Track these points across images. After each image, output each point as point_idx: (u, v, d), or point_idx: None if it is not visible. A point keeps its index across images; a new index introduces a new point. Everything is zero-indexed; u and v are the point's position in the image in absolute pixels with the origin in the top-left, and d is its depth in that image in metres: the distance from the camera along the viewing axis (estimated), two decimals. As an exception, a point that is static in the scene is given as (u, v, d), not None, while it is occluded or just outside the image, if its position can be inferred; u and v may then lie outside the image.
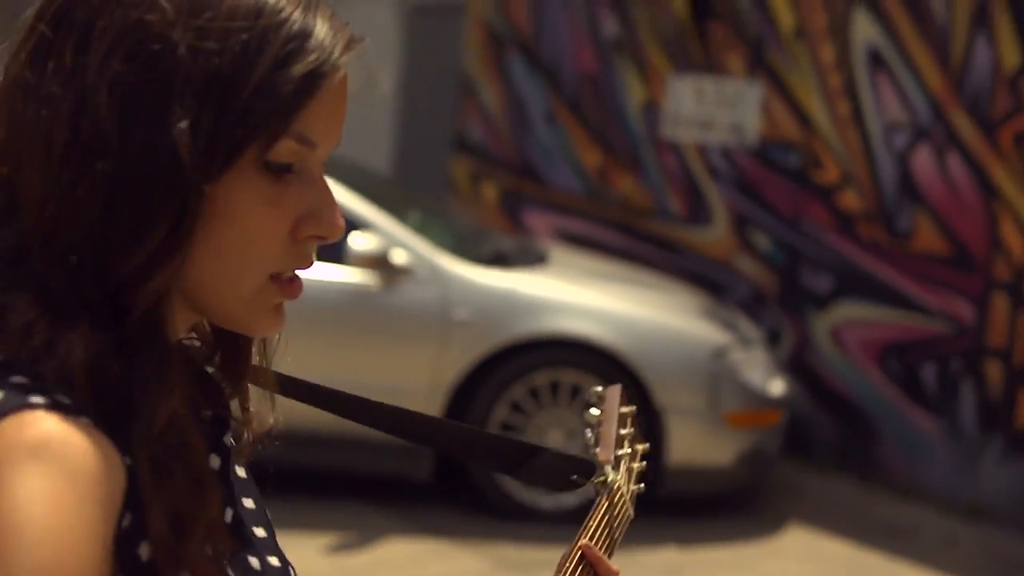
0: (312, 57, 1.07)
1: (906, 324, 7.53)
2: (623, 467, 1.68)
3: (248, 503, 1.26)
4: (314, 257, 1.15)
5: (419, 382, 6.22)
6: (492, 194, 10.06)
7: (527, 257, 7.09)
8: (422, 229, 6.64)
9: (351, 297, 6.22)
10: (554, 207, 9.58)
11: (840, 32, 7.77)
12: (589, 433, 1.70)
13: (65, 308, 1.04)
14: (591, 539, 1.51)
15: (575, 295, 6.52)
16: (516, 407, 6.32)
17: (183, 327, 1.17)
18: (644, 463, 1.77)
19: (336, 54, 1.09)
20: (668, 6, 8.72)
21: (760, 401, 6.56)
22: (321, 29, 1.09)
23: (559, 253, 7.66)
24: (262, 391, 1.30)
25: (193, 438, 1.08)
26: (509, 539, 6.06)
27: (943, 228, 7.33)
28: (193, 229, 1.05)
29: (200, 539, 1.07)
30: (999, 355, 7.11)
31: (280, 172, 1.09)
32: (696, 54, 8.61)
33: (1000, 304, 7.10)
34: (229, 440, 1.23)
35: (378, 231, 6.28)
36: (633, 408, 1.77)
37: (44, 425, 0.98)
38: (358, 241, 6.14)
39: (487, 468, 1.38)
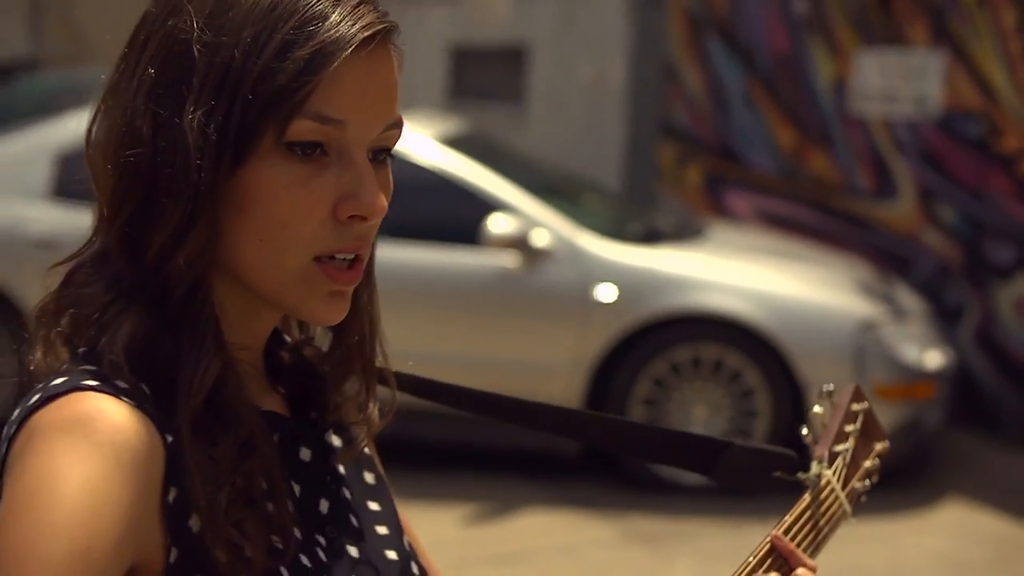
0: (318, 39, 1.13)
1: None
2: (840, 462, 1.65)
3: (373, 506, 1.35)
4: (367, 240, 1.22)
5: (561, 360, 6.40)
6: (696, 177, 10.12)
7: (681, 234, 7.17)
8: (568, 210, 6.80)
9: (491, 279, 6.44)
10: (753, 187, 9.58)
11: (1019, -4, 7.55)
12: (805, 430, 1.67)
13: (127, 294, 1.17)
14: (787, 533, 1.50)
15: (719, 271, 6.58)
16: (658, 383, 6.42)
17: (264, 321, 1.27)
18: (877, 461, 1.72)
19: (348, 34, 1.14)
20: (853, -20, 8.63)
21: (912, 374, 6.46)
22: (336, 15, 1.15)
23: (718, 229, 7.71)
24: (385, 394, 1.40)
25: (242, 409, 1.18)
26: (642, 511, 6.18)
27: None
28: (210, 216, 1.15)
29: (242, 507, 1.16)
30: None
31: (309, 153, 1.15)
32: (881, 27, 8.49)
33: None
34: (331, 438, 1.34)
35: (517, 213, 6.48)
36: (866, 405, 1.73)
37: (85, 403, 1.10)
38: (497, 223, 6.35)
39: (678, 467, 1.47)
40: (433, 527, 5.88)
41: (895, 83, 8.34)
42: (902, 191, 8.36)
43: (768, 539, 1.46)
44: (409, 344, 6.52)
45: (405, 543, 1.35)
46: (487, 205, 6.50)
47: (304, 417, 1.31)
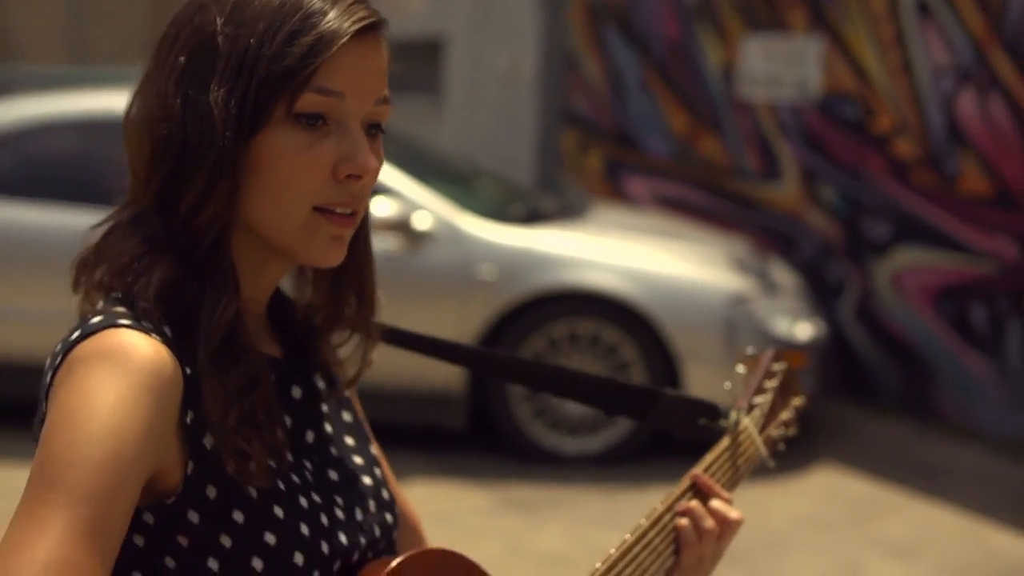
0: (319, 29, 1.38)
1: (957, 267, 7.56)
2: (758, 412, 1.86)
3: (349, 441, 1.59)
4: (362, 197, 1.44)
5: (444, 337, 6.59)
6: (596, 164, 10.37)
7: (563, 214, 7.42)
8: (452, 193, 7.02)
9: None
10: (650, 172, 9.84)
11: (889, -18, 7.84)
12: (728, 385, 1.87)
13: (159, 247, 1.41)
14: (706, 470, 1.72)
15: (595, 249, 6.82)
16: (538, 358, 6.65)
17: (272, 271, 1.50)
18: (794, 413, 1.95)
19: (345, 26, 1.38)
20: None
21: (781, 345, 6.72)
22: (334, 11, 1.39)
23: (602, 210, 7.96)
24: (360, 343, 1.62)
25: (250, 349, 1.41)
26: (521, 480, 6.42)
27: (987, 169, 7.35)
28: (234, 175, 1.38)
29: (247, 428, 1.39)
30: (1041, 293, 7.11)
31: (313, 122, 1.39)
32: (764, 14, 8.77)
33: (1041, 242, 7.09)
34: (320, 380, 1.58)
35: (400, 197, 6.70)
36: (785, 365, 1.94)
37: (119, 337, 1.33)
38: (379, 207, 6.57)
39: (614, 414, 1.65)
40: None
41: (778, 68, 8.62)
42: (786, 172, 8.64)
43: (689, 475, 1.68)
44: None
45: (376, 472, 1.59)
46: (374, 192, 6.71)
47: (297, 361, 1.55)
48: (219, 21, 1.39)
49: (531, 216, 7.18)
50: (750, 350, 1.93)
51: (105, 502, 1.25)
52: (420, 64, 13.03)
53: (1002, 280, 7.29)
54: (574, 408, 6.65)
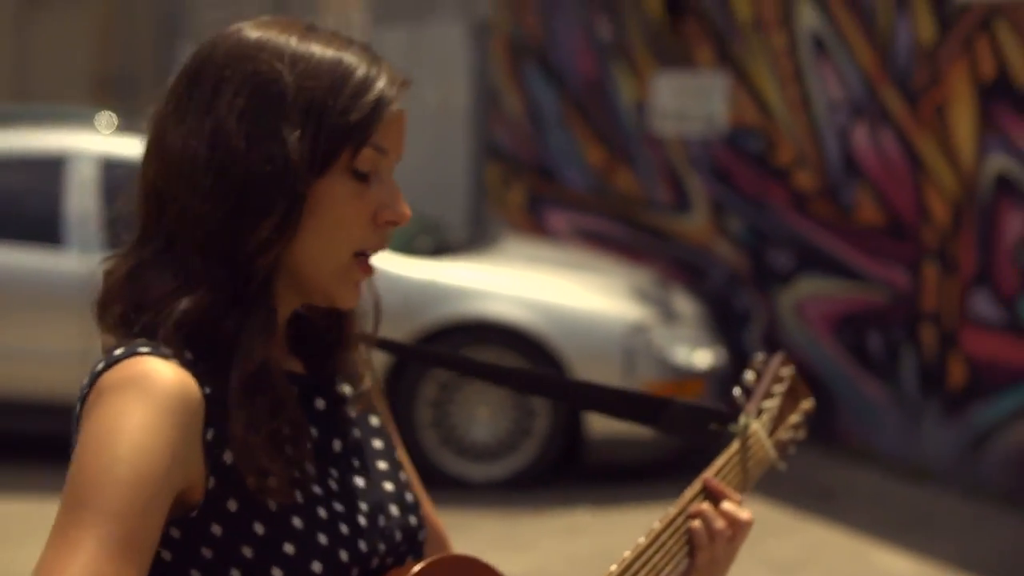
0: (377, 90, 1.50)
1: (855, 295, 7.81)
2: (766, 416, 1.92)
3: (376, 444, 1.65)
4: (389, 239, 1.56)
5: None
6: (518, 197, 10.61)
7: (471, 247, 7.64)
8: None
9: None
10: (569, 205, 10.08)
11: (788, 21, 8.11)
12: (737, 391, 1.92)
13: (194, 281, 1.47)
14: (717, 473, 1.78)
15: (498, 281, 7.04)
16: (443, 386, 6.85)
17: (288, 306, 1.56)
18: (803, 415, 2.01)
19: (394, 90, 1.51)
20: (647, 5, 9.17)
21: (681, 373, 6.95)
22: (382, 74, 1.52)
23: (512, 242, 8.20)
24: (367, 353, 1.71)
25: (276, 375, 1.50)
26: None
27: (880, 200, 7.61)
28: (301, 215, 1.47)
29: (271, 448, 1.46)
30: (932, 320, 7.36)
31: (363, 178, 1.50)
32: (674, 50, 9.03)
33: (930, 271, 7.35)
34: (343, 389, 1.64)
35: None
36: (792, 371, 1.99)
37: (142, 365, 1.42)
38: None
39: (627, 421, 1.75)
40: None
41: (687, 103, 8.88)
42: (696, 204, 8.89)
43: (700, 479, 1.74)
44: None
45: (401, 476, 1.66)
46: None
47: (320, 372, 1.63)
48: (280, 67, 1.48)
49: (437, 248, 7.40)
50: (759, 356, 1.99)
51: (135, 520, 1.34)
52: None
53: (896, 307, 7.54)
54: (479, 434, 6.86)
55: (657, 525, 1.67)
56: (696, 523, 1.70)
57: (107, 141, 7.40)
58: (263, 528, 1.46)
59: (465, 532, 6.53)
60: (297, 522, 1.48)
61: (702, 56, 8.80)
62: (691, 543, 1.71)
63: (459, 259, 7.31)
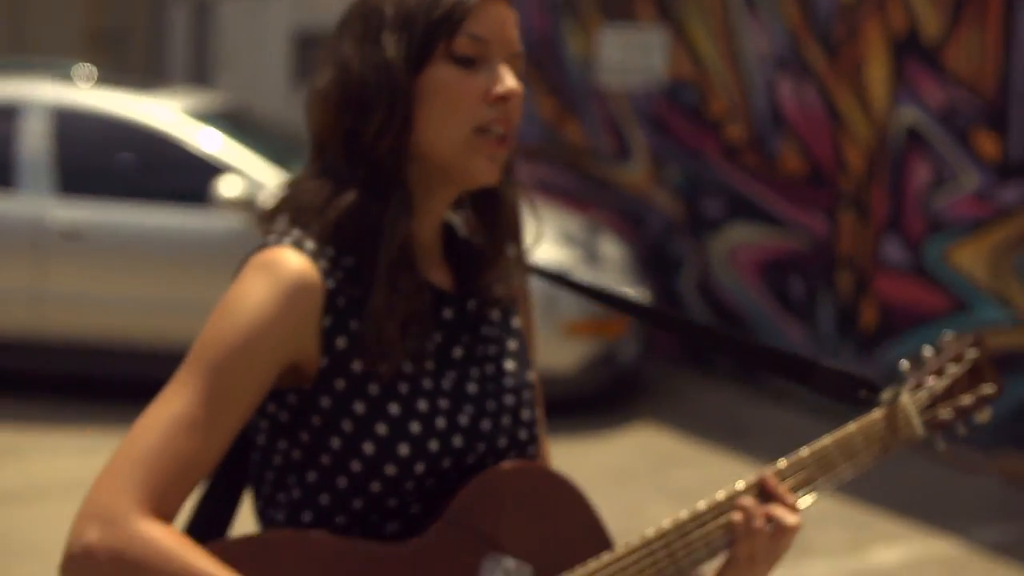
0: None
1: (779, 242, 8.15)
2: (925, 393, 1.94)
3: (508, 365, 1.80)
4: (511, 120, 1.69)
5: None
6: (477, 148, 10.95)
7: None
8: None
9: (223, 237, 7.21)
10: (522, 156, 10.40)
11: (721, -24, 8.42)
12: (904, 364, 1.97)
13: (343, 185, 1.67)
14: (847, 439, 1.87)
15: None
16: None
17: (437, 199, 1.73)
18: (977, 398, 1.98)
19: None
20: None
21: (602, 312, 7.29)
22: None
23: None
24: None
25: (413, 268, 1.67)
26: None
27: (802, 150, 7.94)
28: (410, 105, 1.66)
29: (400, 324, 1.65)
30: (847, 264, 7.69)
31: (466, 63, 1.67)
32: (618, 6, 9.35)
33: (846, 218, 7.67)
34: (489, 309, 1.79)
35: (250, 178, 7.25)
36: (980, 353, 1.98)
37: (276, 252, 1.62)
38: (227, 187, 7.12)
39: (781, 378, 2.00)
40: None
41: (629, 57, 9.20)
42: (636, 155, 9.22)
43: (759, 475, 1.79)
44: (152, 291, 7.27)
45: (524, 395, 1.79)
46: (221, 171, 7.29)
47: (460, 287, 1.78)
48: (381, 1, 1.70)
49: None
50: (949, 333, 2.01)
51: (232, 377, 1.56)
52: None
53: (815, 253, 7.88)
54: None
55: (702, 506, 1.75)
56: (738, 516, 1.76)
57: (62, 91, 7.75)
58: (363, 408, 1.65)
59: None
60: (394, 408, 1.65)
61: (644, 12, 9.11)
62: (732, 533, 1.76)
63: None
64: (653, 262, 8.85)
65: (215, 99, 8.67)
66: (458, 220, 1.82)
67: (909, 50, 7.29)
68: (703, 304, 8.63)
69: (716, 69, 8.51)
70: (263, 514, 1.72)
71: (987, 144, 6.91)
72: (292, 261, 1.61)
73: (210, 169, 7.31)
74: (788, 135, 8.02)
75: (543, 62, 10.11)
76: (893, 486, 6.40)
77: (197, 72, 16.55)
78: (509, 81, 1.67)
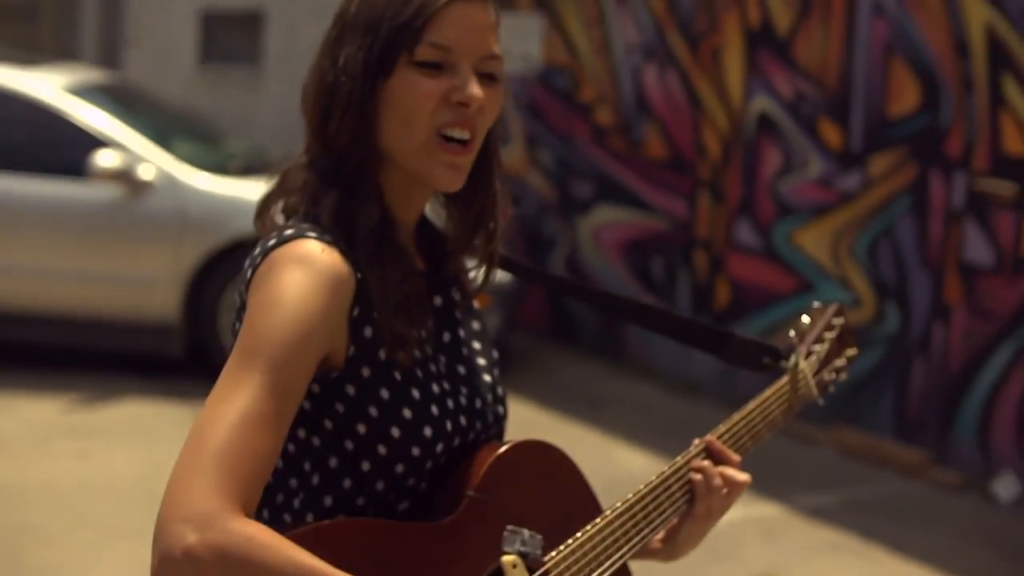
0: None
1: (641, 223, 8.50)
2: (814, 358, 2.15)
3: (476, 345, 1.89)
4: (475, 126, 1.72)
5: (161, 275, 7.45)
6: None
7: (272, 167, 8.24)
8: (181, 149, 7.86)
9: (101, 206, 7.46)
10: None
11: (594, -33, 8.75)
12: (792, 333, 2.15)
13: (326, 178, 1.73)
14: (764, 402, 2.05)
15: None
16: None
17: (409, 198, 1.79)
18: (847, 361, 2.22)
19: None
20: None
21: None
22: None
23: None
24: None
25: (403, 251, 1.73)
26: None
27: (665, 136, 8.29)
28: (375, 107, 1.70)
29: (402, 315, 1.70)
30: (704, 245, 8.06)
31: (430, 68, 1.69)
32: (499, -7, 9.64)
33: (704, 201, 8.04)
34: (455, 293, 1.87)
35: (127, 151, 7.50)
36: (843, 320, 2.21)
37: (308, 246, 1.64)
38: (104, 159, 7.36)
39: (695, 349, 2.16)
40: (41, 410, 6.90)
41: (507, 43, 9.49)
42: (514, 138, 9.54)
43: (704, 440, 1.95)
44: (31, 260, 7.50)
45: (495, 373, 1.91)
46: (100, 144, 7.54)
47: (437, 275, 1.85)
48: (351, 2, 1.74)
49: (249, 169, 8.01)
50: (816, 304, 2.24)
51: (292, 371, 1.57)
52: (241, 36, 13.77)
53: (675, 234, 8.24)
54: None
55: (667, 470, 1.89)
56: (697, 476, 1.91)
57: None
58: (388, 394, 1.70)
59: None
60: (416, 393, 1.71)
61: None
62: (691, 492, 1.92)
63: (266, 178, 7.90)
64: (528, 241, 9.18)
65: (96, 75, 8.91)
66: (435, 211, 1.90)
67: (763, 42, 7.66)
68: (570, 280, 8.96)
69: (588, 56, 8.84)
70: (267, 498, 1.74)
71: (831, 133, 7.29)
72: (325, 254, 1.64)
73: (89, 142, 7.55)
74: (653, 121, 8.37)
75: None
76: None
77: (106, 50, 16.65)
78: (472, 88, 1.69)
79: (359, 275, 1.67)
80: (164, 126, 8.23)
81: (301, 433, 1.70)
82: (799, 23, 7.43)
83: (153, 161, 7.55)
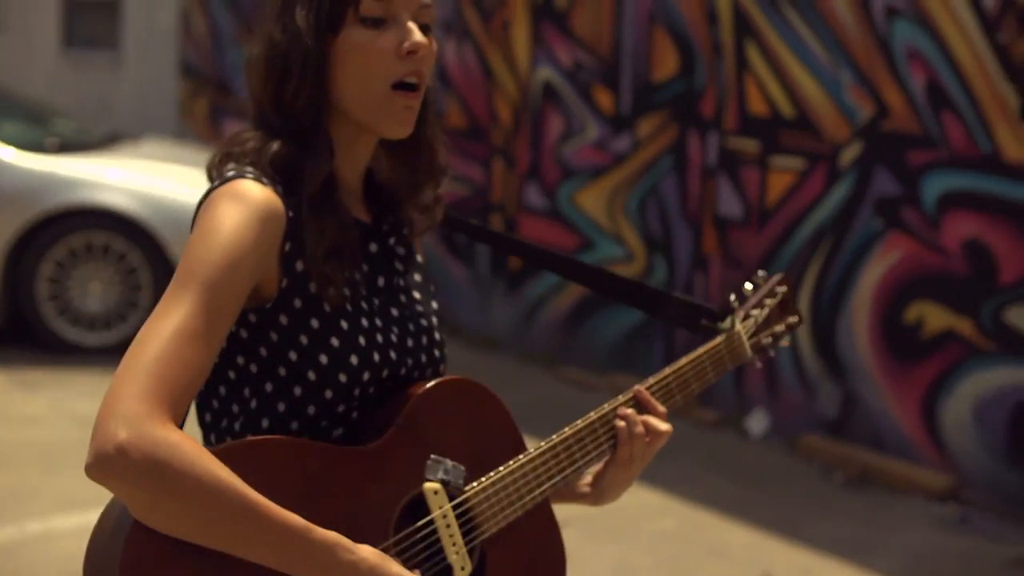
0: None
1: (445, 190, 8.96)
2: (752, 322, 2.23)
3: (416, 295, 1.97)
4: (422, 71, 1.84)
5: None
6: (203, 109, 11.64)
7: (95, 146, 8.67)
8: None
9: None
10: (244, 115, 11.10)
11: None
12: (732, 297, 2.24)
13: (273, 133, 1.82)
14: (697, 359, 2.13)
15: (107, 173, 8.05)
16: (59, 264, 7.87)
17: (360, 148, 1.89)
18: (787, 327, 2.30)
19: None
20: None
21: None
22: None
23: (144, 142, 9.24)
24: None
25: (340, 204, 1.83)
26: (35, 365, 7.63)
27: (463, 106, 8.77)
28: (325, 67, 1.80)
29: (333, 260, 1.80)
30: (498, 209, 8.56)
31: (375, 23, 1.80)
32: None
33: (498, 167, 8.53)
34: (399, 247, 1.97)
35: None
36: (786, 289, 2.29)
37: (244, 184, 1.75)
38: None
39: (635, 308, 2.27)
40: None
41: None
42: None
43: (633, 389, 2.04)
44: None
45: (434, 320, 2.00)
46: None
47: (378, 225, 1.95)
48: None
49: (64, 147, 8.41)
50: (761, 273, 2.32)
51: (223, 293, 1.67)
52: (101, 21, 14.07)
53: (474, 199, 8.72)
54: (93, 306, 7.88)
55: (593, 415, 1.99)
56: (621, 423, 2.00)
57: None
58: (318, 323, 1.81)
59: (54, 386, 7.53)
60: (344, 324, 1.82)
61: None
62: (615, 438, 2.01)
63: (82, 156, 8.32)
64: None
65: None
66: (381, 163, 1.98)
67: (546, 15, 8.15)
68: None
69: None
70: (214, 423, 1.87)
71: (604, 99, 7.81)
72: (259, 191, 1.74)
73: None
74: (452, 92, 8.85)
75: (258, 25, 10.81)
76: (522, 407, 7.25)
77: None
78: (416, 36, 1.81)
79: (291, 213, 1.78)
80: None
81: (240, 360, 1.82)
82: (574, -3, 7.94)
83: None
